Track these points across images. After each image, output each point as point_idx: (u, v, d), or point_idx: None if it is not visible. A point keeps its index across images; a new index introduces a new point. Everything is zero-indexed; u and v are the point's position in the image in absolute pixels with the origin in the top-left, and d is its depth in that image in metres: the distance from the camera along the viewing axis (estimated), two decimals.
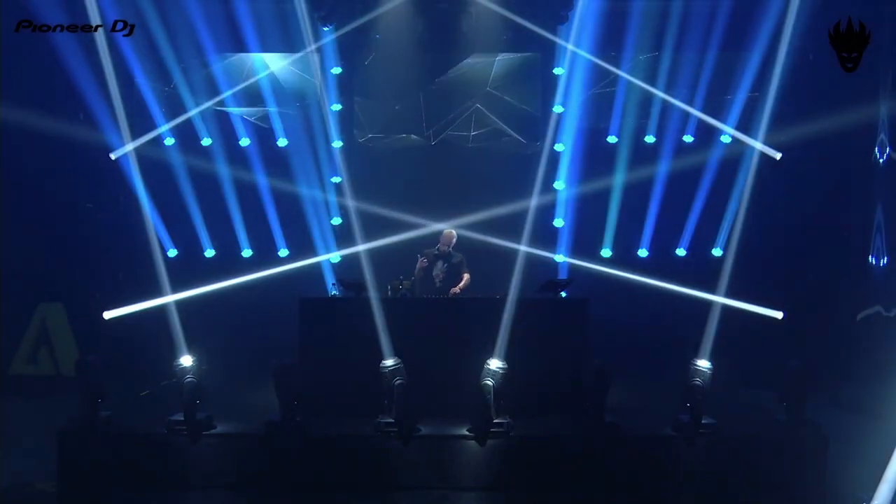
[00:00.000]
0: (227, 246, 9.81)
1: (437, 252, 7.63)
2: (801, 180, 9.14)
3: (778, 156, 8.24)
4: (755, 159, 8.04)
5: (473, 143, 9.95)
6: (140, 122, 9.34)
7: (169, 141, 9.70)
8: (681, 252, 9.63)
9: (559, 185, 9.63)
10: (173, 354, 6.06)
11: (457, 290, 7.44)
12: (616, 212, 9.59)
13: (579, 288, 7.59)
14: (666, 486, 5.63)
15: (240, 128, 9.77)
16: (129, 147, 8.46)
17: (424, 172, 9.84)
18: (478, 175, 9.74)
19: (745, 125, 9.05)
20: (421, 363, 6.03)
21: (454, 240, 7.69)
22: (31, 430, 6.56)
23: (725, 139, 9.37)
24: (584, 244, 9.62)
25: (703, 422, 5.67)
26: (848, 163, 8.75)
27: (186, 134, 9.71)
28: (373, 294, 6.62)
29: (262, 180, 9.63)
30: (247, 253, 9.76)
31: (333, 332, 6.56)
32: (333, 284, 7.88)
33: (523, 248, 7.80)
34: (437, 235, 7.85)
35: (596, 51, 9.25)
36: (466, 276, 7.60)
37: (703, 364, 5.83)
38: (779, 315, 7.61)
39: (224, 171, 9.60)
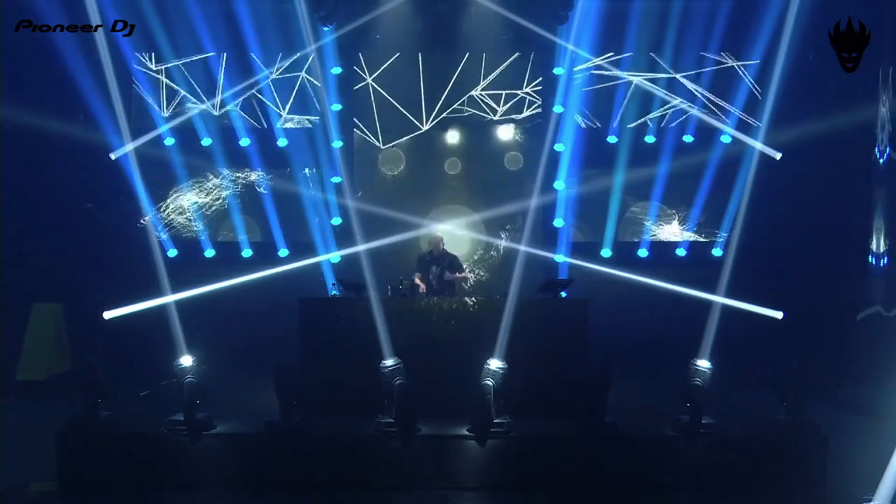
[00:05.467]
0: (227, 246, 9.81)
1: (428, 257, 7.80)
2: (800, 180, 9.13)
3: (778, 156, 8.25)
4: (755, 159, 8.05)
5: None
6: (140, 122, 9.35)
7: (169, 141, 9.70)
8: (681, 252, 9.62)
9: (559, 185, 9.63)
10: (173, 354, 6.06)
11: (463, 275, 7.80)
12: (616, 212, 9.60)
13: (579, 288, 7.59)
14: (666, 486, 5.62)
15: (240, 128, 9.77)
16: (129, 147, 8.46)
17: (424, 174, 9.88)
18: (477, 175, 9.76)
19: (745, 125, 9.05)
20: (421, 363, 6.02)
21: (442, 241, 7.89)
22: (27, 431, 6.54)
23: (725, 139, 9.36)
24: (584, 244, 9.63)
25: (703, 422, 5.66)
26: (848, 163, 8.74)
27: (186, 135, 9.72)
28: (373, 294, 6.61)
29: (262, 180, 9.64)
30: (247, 253, 9.76)
31: (333, 332, 6.55)
32: (333, 284, 7.89)
33: (523, 248, 7.81)
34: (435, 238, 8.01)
35: (596, 51, 9.26)
36: (465, 274, 7.84)
37: (703, 364, 5.82)
38: (779, 315, 7.60)
39: (224, 170, 9.62)
